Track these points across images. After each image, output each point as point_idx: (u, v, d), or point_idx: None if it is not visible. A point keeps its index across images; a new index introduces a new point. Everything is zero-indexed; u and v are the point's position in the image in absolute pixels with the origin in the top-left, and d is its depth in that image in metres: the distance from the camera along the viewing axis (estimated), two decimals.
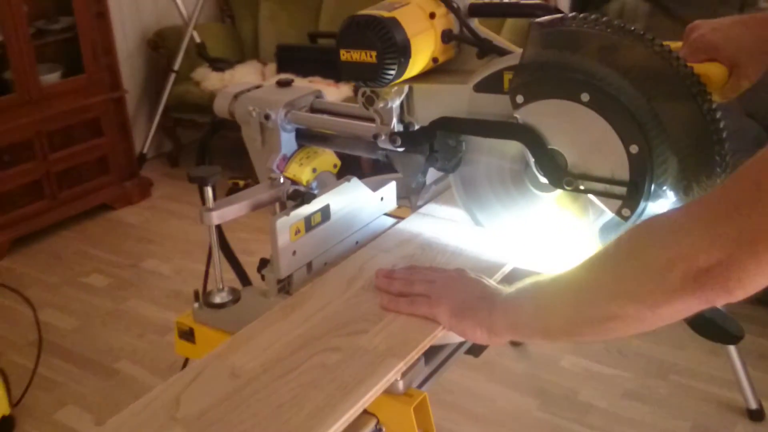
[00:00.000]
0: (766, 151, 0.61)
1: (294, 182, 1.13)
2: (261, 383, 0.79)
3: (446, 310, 0.88)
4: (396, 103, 0.99)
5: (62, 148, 3.23)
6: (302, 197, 0.98)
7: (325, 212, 1.01)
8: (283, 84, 1.19)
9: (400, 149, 1.01)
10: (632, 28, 0.86)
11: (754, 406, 2.04)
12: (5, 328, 2.58)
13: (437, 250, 1.05)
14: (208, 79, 3.72)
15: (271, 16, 4.06)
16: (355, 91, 1.00)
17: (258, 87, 1.18)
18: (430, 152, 1.01)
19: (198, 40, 3.82)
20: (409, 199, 1.20)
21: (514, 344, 2.47)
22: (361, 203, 1.09)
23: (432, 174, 1.16)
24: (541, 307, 0.82)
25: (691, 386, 2.20)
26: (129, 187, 3.55)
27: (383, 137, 1.01)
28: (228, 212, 0.96)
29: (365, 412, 0.89)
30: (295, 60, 1.26)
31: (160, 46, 3.87)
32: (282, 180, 1.03)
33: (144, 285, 2.87)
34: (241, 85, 1.16)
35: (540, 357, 2.42)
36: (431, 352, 0.96)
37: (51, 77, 3.20)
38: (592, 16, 0.88)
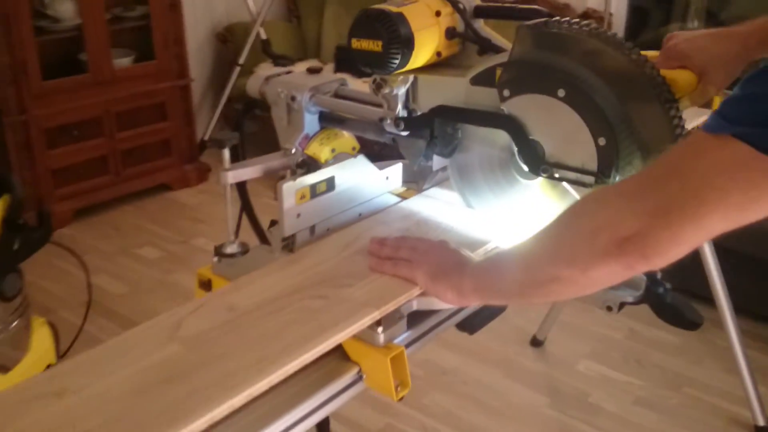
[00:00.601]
0: (683, 141, 0.71)
1: (312, 159, 1.25)
2: (252, 317, 0.92)
3: (424, 273, 0.99)
4: (401, 91, 1.11)
5: (129, 128, 3.46)
6: (308, 166, 1.10)
7: (330, 183, 1.14)
8: (313, 71, 1.32)
9: (404, 133, 1.13)
10: (610, 34, 0.96)
11: (761, 422, 2.07)
12: (60, 288, 2.80)
13: (431, 227, 1.16)
14: None
15: (335, 19, 4.23)
16: None
17: (288, 72, 1.31)
18: (431, 138, 1.12)
19: (264, 36, 4.00)
20: (417, 183, 1.32)
21: (534, 345, 2.56)
22: (366, 179, 1.21)
23: (439, 162, 1.27)
24: (499, 272, 0.93)
25: (702, 399, 2.24)
26: (188, 170, 3.76)
27: (389, 121, 1.12)
28: (242, 174, 1.09)
29: (349, 360, 1.00)
30: (352, 61, 1.38)
31: (228, 40, 4.08)
32: (293, 151, 1.16)
33: (191, 260, 3.06)
34: (273, 69, 1.30)
35: (557, 359, 2.49)
36: (416, 318, 1.06)
37: (123, 61, 3.43)
38: (575, 20, 0.98)
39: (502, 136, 1.06)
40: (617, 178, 0.96)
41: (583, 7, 3.69)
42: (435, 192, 1.29)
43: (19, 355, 2.20)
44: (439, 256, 1.00)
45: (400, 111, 1.12)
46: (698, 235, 0.71)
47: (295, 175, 1.13)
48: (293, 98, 1.24)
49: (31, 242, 2.05)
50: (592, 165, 0.97)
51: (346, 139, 1.29)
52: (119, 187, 3.50)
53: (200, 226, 3.38)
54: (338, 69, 1.30)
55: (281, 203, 1.06)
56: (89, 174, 3.37)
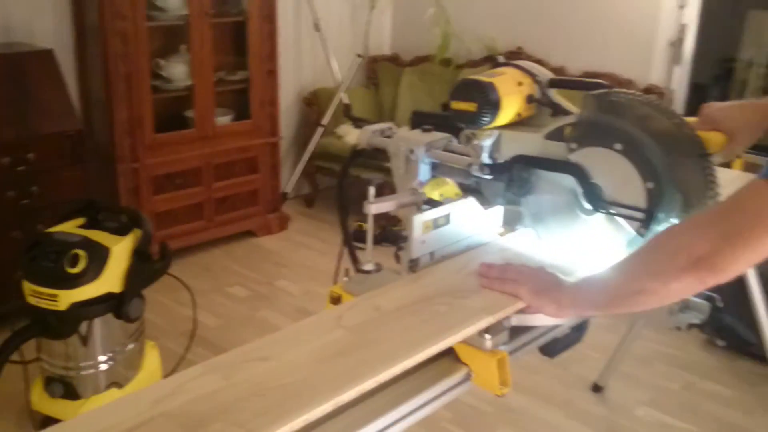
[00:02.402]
0: (749, 182, 0.95)
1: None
2: (394, 315, 1.17)
3: (528, 290, 1.20)
4: (487, 143, 1.37)
5: (224, 179, 3.82)
6: (432, 204, 1.38)
7: (447, 218, 1.40)
8: (426, 130, 1.57)
9: (487, 177, 1.39)
10: (657, 102, 1.22)
11: None
12: (162, 319, 3.12)
13: (526, 258, 1.40)
14: (349, 134, 4.27)
15: (410, 86, 4.58)
16: None
17: (389, 128, 1.57)
18: (509, 181, 1.38)
19: (346, 101, 4.37)
20: (512, 225, 1.56)
21: (595, 390, 2.73)
22: (474, 218, 1.46)
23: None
24: (593, 288, 1.15)
25: None
26: (271, 219, 4.10)
27: (475, 167, 1.39)
28: (381, 206, 1.35)
29: (460, 361, 1.21)
30: (426, 124, 1.63)
31: (313, 103, 4.47)
32: (420, 191, 1.43)
33: (276, 300, 3.35)
34: (379, 125, 1.57)
35: (617, 404, 2.66)
36: (515, 333, 1.26)
37: (224, 119, 3.81)
38: (630, 92, 1.24)
39: (568, 181, 1.31)
40: (662, 215, 1.20)
41: (645, 83, 3.92)
42: (525, 231, 1.52)
43: (131, 374, 2.49)
44: (540, 277, 1.23)
45: (485, 159, 1.38)
46: (753, 257, 0.94)
47: (420, 210, 1.39)
48: (412, 151, 1.49)
49: (154, 271, 2.37)
50: (642, 204, 1.21)
51: (451, 186, 1.53)
52: (211, 232, 3.84)
53: (282, 270, 3.69)
54: (413, 129, 1.54)
55: (411, 231, 1.33)
56: (186, 218, 3.72)
